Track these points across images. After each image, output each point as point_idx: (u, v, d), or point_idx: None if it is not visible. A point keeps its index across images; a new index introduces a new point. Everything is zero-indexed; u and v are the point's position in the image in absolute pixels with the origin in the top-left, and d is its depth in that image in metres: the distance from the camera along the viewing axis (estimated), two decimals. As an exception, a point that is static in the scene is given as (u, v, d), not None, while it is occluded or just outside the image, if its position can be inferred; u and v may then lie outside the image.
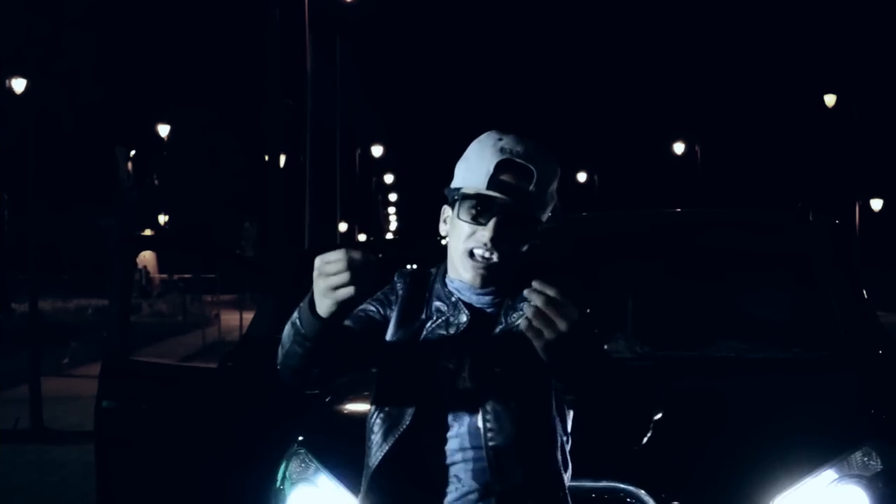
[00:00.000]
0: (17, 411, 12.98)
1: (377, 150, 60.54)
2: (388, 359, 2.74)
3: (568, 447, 2.78)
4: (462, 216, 2.68)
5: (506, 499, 2.63)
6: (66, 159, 39.63)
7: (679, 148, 54.54)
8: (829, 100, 42.89)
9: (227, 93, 51.49)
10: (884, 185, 52.68)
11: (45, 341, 15.11)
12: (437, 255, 2.87)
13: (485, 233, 2.65)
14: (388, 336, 2.76)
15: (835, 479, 3.82)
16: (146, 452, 6.04)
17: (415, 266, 2.87)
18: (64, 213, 45.41)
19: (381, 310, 2.78)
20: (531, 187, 2.66)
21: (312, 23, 27.59)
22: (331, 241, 36.51)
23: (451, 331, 2.70)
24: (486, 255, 2.67)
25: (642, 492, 3.76)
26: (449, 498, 2.67)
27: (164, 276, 48.51)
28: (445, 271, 2.78)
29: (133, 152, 50.58)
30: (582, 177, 74.90)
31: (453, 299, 2.74)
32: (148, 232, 45.83)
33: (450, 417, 2.67)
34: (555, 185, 2.75)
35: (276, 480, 4.15)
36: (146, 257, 49.78)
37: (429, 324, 2.73)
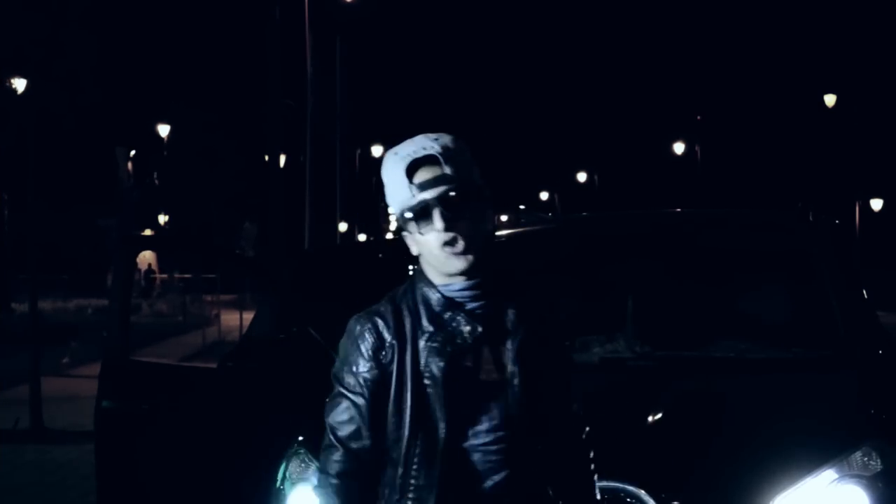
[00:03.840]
0: (17, 411, 12.98)
1: (377, 151, 60.56)
2: (407, 389, 2.82)
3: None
4: (413, 231, 2.84)
5: (537, 478, 2.81)
6: (66, 159, 39.58)
7: (679, 148, 54.54)
8: (829, 100, 42.88)
9: (227, 93, 51.44)
10: (884, 185, 52.66)
11: (45, 341, 15.10)
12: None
13: (439, 228, 2.80)
14: (397, 373, 2.83)
15: (835, 479, 3.82)
16: (146, 452, 6.04)
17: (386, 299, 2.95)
18: (64, 213, 45.39)
19: (378, 376, 2.84)
20: (444, 168, 2.82)
21: (312, 23, 27.57)
22: (331, 241, 36.52)
23: (459, 341, 2.82)
24: (454, 244, 2.81)
25: (642, 492, 3.77)
26: (488, 483, 2.80)
27: (165, 275, 48.45)
28: (426, 284, 2.87)
29: (133, 152, 50.67)
30: (582, 177, 74.91)
31: (456, 314, 2.84)
32: (148, 232, 45.84)
33: (480, 411, 2.81)
34: (464, 152, 2.88)
35: (276, 480, 4.15)
36: (147, 257, 49.76)
37: (423, 340, 2.83)
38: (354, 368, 2.84)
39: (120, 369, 6.15)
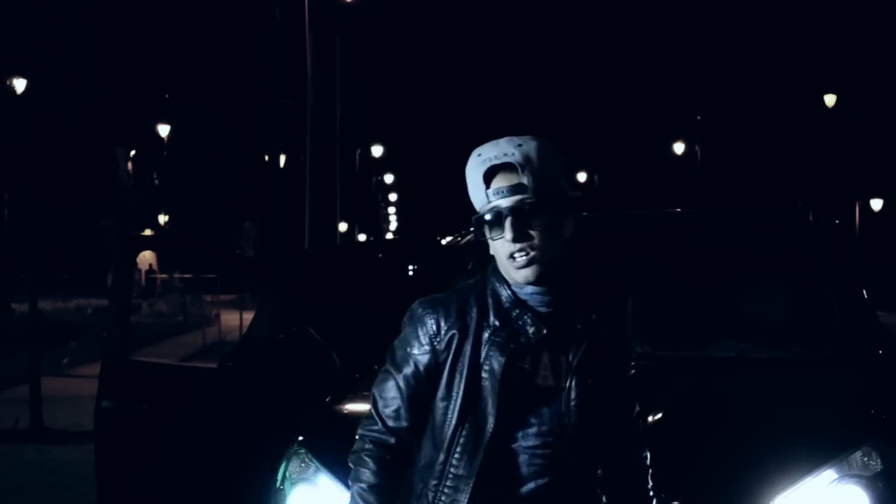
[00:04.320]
0: (17, 411, 12.98)
1: (377, 150, 60.52)
2: (462, 377, 2.85)
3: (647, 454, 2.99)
4: (483, 237, 2.86)
5: (582, 489, 2.82)
6: (66, 159, 39.58)
7: (679, 148, 54.52)
8: (829, 100, 42.86)
9: (228, 93, 51.45)
10: (884, 185, 52.62)
11: (45, 341, 15.11)
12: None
13: (508, 238, 2.80)
14: (452, 361, 2.86)
15: (835, 479, 3.82)
16: (146, 452, 6.04)
17: (434, 291, 3.00)
18: (64, 213, 45.38)
19: (431, 361, 2.88)
20: (522, 178, 2.80)
21: (312, 23, 27.57)
22: (331, 241, 36.52)
23: (522, 339, 2.83)
24: (521, 254, 2.81)
25: (642, 492, 3.76)
26: (529, 486, 2.81)
27: (165, 275, 48.47)
28: (499, 280, 2.88)
29: (133, 152, 50.70)
30: (582, 177, 74.87)
31: (524, 312, 2.84)
32: (148, 232, 45.84)
33: (531, 414, 2.82)
34: (548, 158, 2.85)
35: (276, 480, 4.15)
36: (147, 257, 49.77)
37: (487, 333, 2.85)
38: (408, 349, 2.89)
39: (120, 369, 6.15)
